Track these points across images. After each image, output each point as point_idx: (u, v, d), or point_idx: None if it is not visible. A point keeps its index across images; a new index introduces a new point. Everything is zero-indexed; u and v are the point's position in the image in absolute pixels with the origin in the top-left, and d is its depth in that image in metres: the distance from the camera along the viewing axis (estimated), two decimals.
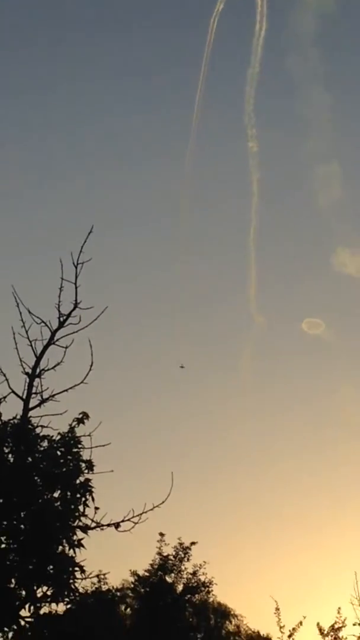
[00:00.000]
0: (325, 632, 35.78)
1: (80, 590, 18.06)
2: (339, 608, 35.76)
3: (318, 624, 36.05)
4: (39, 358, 18.80)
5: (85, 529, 17.64)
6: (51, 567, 17.41)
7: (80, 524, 17.61)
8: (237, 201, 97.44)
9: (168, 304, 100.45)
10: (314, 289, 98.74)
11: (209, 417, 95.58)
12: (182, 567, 36.40)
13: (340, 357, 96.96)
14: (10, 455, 17.81)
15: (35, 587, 17.41)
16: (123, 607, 36.82)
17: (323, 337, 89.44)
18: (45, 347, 18.90)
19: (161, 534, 36.48)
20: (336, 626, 35.71)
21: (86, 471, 17.89)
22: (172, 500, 18.42)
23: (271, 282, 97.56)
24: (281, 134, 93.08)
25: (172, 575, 36.41)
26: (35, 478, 17.57)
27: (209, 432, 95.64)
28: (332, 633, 35.70)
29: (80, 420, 18.32)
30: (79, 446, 18.02)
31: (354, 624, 32.96)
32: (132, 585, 36.92)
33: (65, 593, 17.53)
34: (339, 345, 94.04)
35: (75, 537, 17.53)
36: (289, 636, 36.31)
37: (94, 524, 17.70)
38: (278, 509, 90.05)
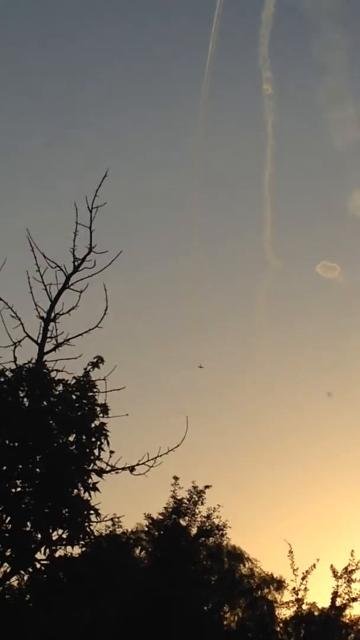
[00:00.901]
0: (339, 574, 36.40)
1: (95, 533, 18.30)
2: (352, 551, 36.39)
3: (332, 566, 36.67)
4: (53, 302, 18.88)
5: (100, 472, 17.82)
6: (66, 510, 17.62)
7: (95, 467, 17.80)
8: (252, 144, 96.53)
9: (182, 248, 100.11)
10: (329, 232, 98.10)
11: (223, 360, 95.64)
12: (196, 511, 36.62)
13: (356, 301, 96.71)
14: (25, 400, 17.95)
15: (50, 530, 17.65)
16: (137, 550, 37.17)
17: (338, 281, 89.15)
18: (60, 292, 18.97)
19: (175, 478, 36.69)
20: (349, 568, 36.35)
21: (101, 415, 18.02)
22: (186, 444, 18.55)
23: (286, 226, 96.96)
24: (296, 76, 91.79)
25: (186, 518, 36.68)
26: (51, 422, 17.73)
27: (224, 375, 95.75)
28: (345, 575, 36.32)
29: (95, 365, 18.41)
30: (94, 390, 18.13)
31: None
32: (147, 529, 37.20)
33: (81, 536, 17.76)
34: (354, 289, 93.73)
35: (90, 481, 17.72)
36: (303, 579, 36.96)
37: (108, 468, 17.89)
38: (292, 454, 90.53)
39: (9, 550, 17.47)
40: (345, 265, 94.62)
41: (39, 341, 18.75)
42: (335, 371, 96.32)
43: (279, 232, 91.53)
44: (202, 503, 36.64)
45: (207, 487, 36.69)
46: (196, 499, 36.58)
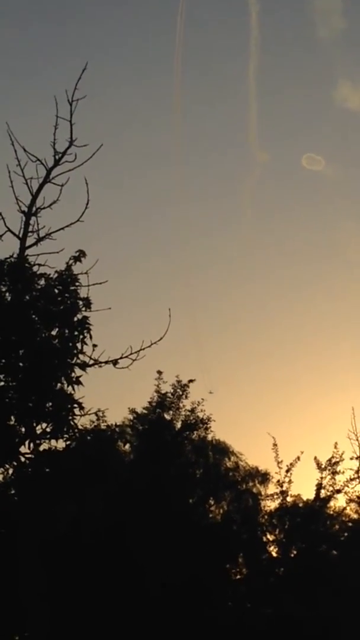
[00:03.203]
0: (323, 466, 37.22)
1: (79, 427, 18.75)
2: (336, 443, 37.14)
3: (315, 458, 37.48)
4: (34, 196, 19.02)
5: (83, 366, 18.19)
6: (50, 404, 18.04)
7: (79, 361, 18.17)
8: (236, 35, 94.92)
9: (165, 142, 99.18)
10: (314, 125, 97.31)
11: (207, 251, 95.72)
12: (181, 405, 37.05)
13: (340, 194, 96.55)
14: (7, 294, 18.21)
15: (34, 424, 18.08)
16: (122, 444, 37.74)
17: (323, 174, 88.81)
18: (41, 185, 19.12)
19: (159, 372, 37.05)
20: (333, 460, 37.14)
21: (84, 309, 18.32)
22: (170, 338, 18.88)
23: (272, 118, 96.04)
24: None
25: (171, 412, 37.10)
26: (33, 316, 18.03)
27: (208, 267, 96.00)
28: (329, 467, 37.15)
29: (77, 259, 18.64)
30: (76, 284, 18.40)
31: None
32: (131, 423, 37.59)
33: (64, 429, 18.20)
34: (339, 181, 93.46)
35: (73, 375, 18.10)
36: (287, 471, 37.82)
37: (92, 362, 18.26)
38: (277, 347, 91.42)
39: None
40: (330, 157, 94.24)
41: (21, 235, 18.94)
42: (322, 263, 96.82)
43: (264, 126, 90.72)
44: (186, 397, 37.02)
45: (191, 381, 37.06)
46: (180, 393, 36.97)
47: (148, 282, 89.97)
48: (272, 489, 39.84)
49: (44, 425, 18.10)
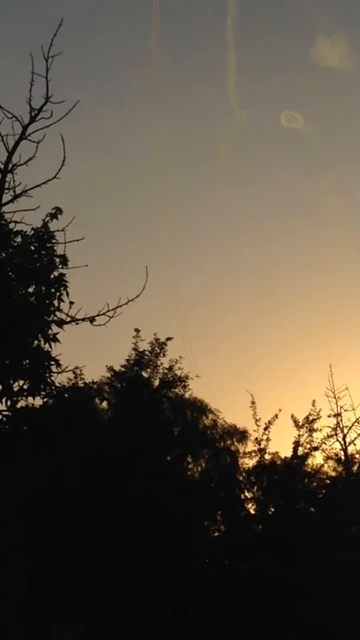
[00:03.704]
0: (301, 424, 37.54)
1: (57, 384, 18.88)
2: (314, 401, 37.45)
3: (292, 415, 37.80)
4: (10, 153, 19.01)
5: (60, 323, 18.28)
6: (27, 361, 18.13)
7: (55, 318, 18.25)
8: None
9: (141, 98, 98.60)
10: (293, 82, 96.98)
11: (185, 208, 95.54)
12: (158, 363, 37.23)
13: (319, 152, 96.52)
14: None
15: (11, 381, 18.17)
16: (99, 402, 37.90)
17: (302, 131, 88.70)
18: (17, 142, 19.10)
19: (137, 330, 37.20)
20: (310, 418, 37.45)
21: (60, 266, 18.38)
22: (148, 296, 18.99)
23: (250, 75, 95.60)
24: None
25: (148, 370, 37.27)
26: (9, 273, 18.07)
27: (185, 226, 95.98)
28: (306, 425, 37.47)
29: (53, 216, 18.67)
30: (53, 241, 18.44)
31: (329, 416, 34.66)
32: (109, 381, 37.69)
33: (41, 387, 18.32)
34: (318, 139, 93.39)
35: (50, 332, 18.19)
36: (265, 429, 38.15)
37: (68, 319, 18.34)
38: (254, 304, 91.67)
39: None
40: (309, 115, 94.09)
41: None
42: (300, 220, 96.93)
43: (242, 83, 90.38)
44: (163, 355, 37.23)
45: (168, 339, 37.25)
46: (158, 351, 37.14)
47: (125, 240, 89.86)
48: (250, 446, 40.23)
49: (21, 382, 18.20)
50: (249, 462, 39.90)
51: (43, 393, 18.43)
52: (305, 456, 37.94)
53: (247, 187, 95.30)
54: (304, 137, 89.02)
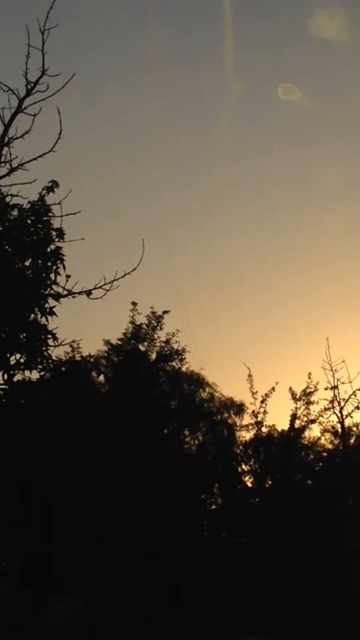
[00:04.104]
0: (298, 396, 37.65)
1: (54, 358, 18.94)
2: (310, 373, 37.49)
3: (290, 388, 37.88)
4: (7, 126, 18.97)
5: (56, 296, 18.30)
6: (23, 335, 18.17)
7: (52, 292, 18.27)
8: None
9: (138, 72, 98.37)
10: (290, 54, 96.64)
11: (182, 181, 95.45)
12: (155, 336, 37.23)
13: (316, 124, 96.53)
14: None
15: (8, 355, 18.22)
16: (96, 375, 38.01)
17: (299, 104, 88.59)
18: (14, 115, 19.05)
19: (134, 304, 37.18)
20: (308, 391, 37.53)
21: (57, 240, 18.40)
22: (145, 270, 19.03)
23: (247, 48, 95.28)
24: None
25: (145, 344, 37.27)
26: (6, 247, 18.10)
27: (183, 197, 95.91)
28: (304, 398, 37.57)
29: (50, 189, 18.68)
30: (49, 214, 18.45)
31: (326, 389, 34.75)
32: (106, 354, 37.71)
33: (38, 360, 18.38)
34: (315, 112, 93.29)
35: (47, 305, 18.22)
36: (262, 402, 38.29)
37: (65, 292, 18.36)
38: (253, 276, 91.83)
39: None
40: (306, 88, 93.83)
41: None
42: (298, 192, 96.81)
43: (239, 56, 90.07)
44: (160, 328, 37.24)
45: (165, 312, 37.22)
46: (155, 324, 37.15)
47: (122, 213, 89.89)
48: (247, 419, 40.35)
49: (18, 356, 18.24)
50: (246, 435, 40.09)
51: (40, 367, 18.49)
52: (302, 429, 38.07)
53: (244, 160, 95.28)
54: (301, 109, 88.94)
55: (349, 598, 34.53)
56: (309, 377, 37.44)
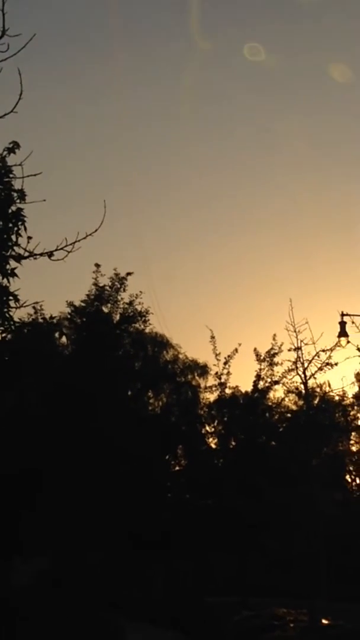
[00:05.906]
0: (262, 357, 37.96)
1: (16, 320, 19.17)
2: (274, 335, 37.78)
3: (255, 349, 38.18)
4: None
5: (18, 258, 18.45)
6: None
7: (13, 253, 18.46)
8: None
9: (101, 27, 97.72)
10: (256, 14, 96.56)
11: (146, 143, 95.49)
12: (119, 298, 37.29)
13: (282, 85, 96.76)
14: None
15: None
16: (59, 337, 38.13)
17: (265, 64, 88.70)
18: None
19: (97, 265, 37.25)
20: (272, 352, 37.84)
21: (18, 201, 18.53)
22: (108, 232, 19.27)
23: (214, 7, 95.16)
24: None
25: (109, 305, 37.34)
26: None
27: (146, 157, 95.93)
28: (267, 359, 37.88)
29: (11, 150, 18.79)
30: (10, 176, 18.59)
31: (289, 350, 35.00)
32: (69, 316, 37.73)
33: (0, 322, 18.60)
34: (280, 72, 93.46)
35: (8, 267, 18.41)
36: (225, 363, 38.61)
37: (27, 254, 18.53)
38: (216, 236, 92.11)
39: None
40: (272, 48, 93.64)
41: None
42: (263, 153, 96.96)
43: (205, 14, 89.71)
44: (124, 290, 37.31)
45: (129, 274, 37.33)
46: (118, 286, 37.23)
47: (83, 174, 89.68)
48: (210, 381, 40.70)
49: None
50: (210, 397, 40.47)
51: (1, 328, 18.69)
52: (266, 390, 38.35)
53: (210, 119, 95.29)
54: (267, 69, 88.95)
55: (311, 558, 35.15)
56: (274, 339, 37.63)
